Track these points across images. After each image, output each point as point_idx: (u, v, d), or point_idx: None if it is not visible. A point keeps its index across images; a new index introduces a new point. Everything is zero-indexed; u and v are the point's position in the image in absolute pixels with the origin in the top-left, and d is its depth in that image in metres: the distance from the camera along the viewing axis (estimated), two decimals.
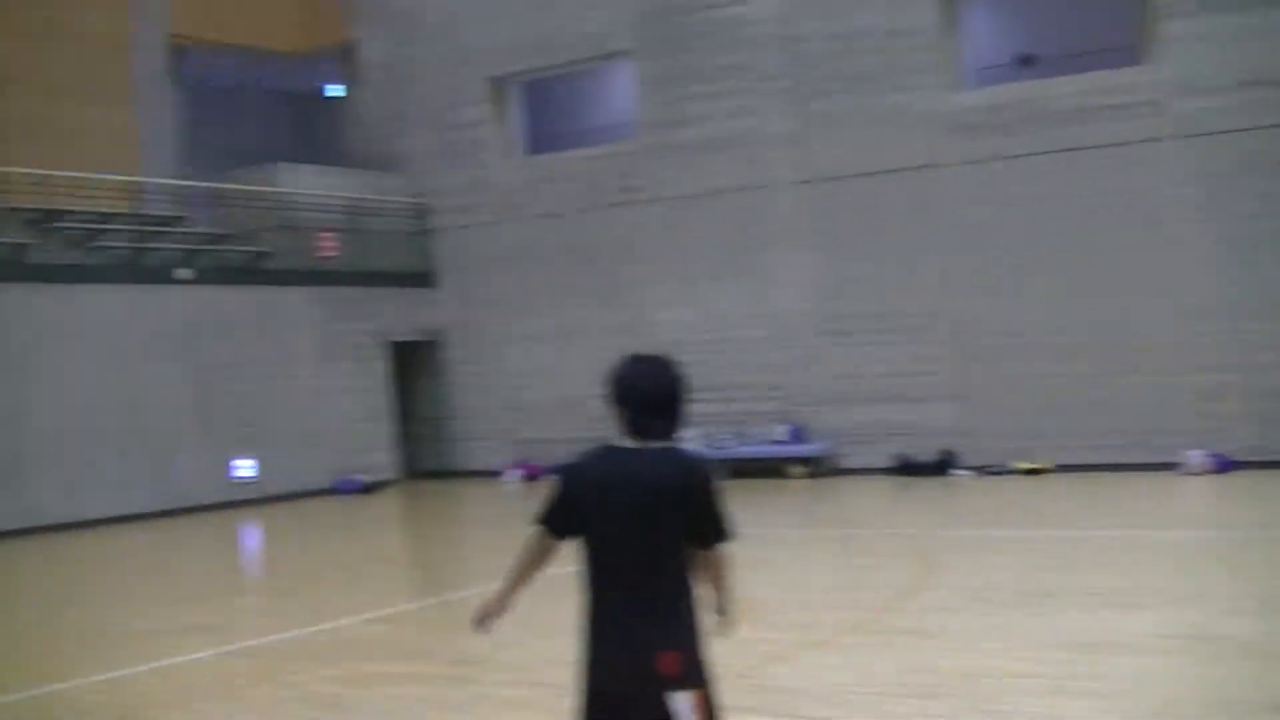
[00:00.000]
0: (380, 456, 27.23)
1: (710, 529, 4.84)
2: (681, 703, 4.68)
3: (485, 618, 5.35)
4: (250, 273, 25.90)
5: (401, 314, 27.95)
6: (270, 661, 10.93)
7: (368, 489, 25.97)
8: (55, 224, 23.69)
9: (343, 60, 31.20)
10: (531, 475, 26.62)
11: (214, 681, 10.34)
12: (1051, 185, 22.11)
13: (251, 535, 21.88)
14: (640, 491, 4.80)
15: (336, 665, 10.61)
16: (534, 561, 5.21)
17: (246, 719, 9.05)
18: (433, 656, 10.91)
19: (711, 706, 4.78)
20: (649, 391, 4.93)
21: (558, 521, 5.06)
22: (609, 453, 4.96)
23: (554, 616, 11.98)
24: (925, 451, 22.94)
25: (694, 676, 4.74)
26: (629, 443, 4.92)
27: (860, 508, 20.98)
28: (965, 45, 24.09)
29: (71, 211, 24.66)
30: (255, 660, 11.03)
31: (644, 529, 4.78)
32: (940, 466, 22.70)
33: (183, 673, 10.73)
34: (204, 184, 27.09)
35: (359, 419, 26.87)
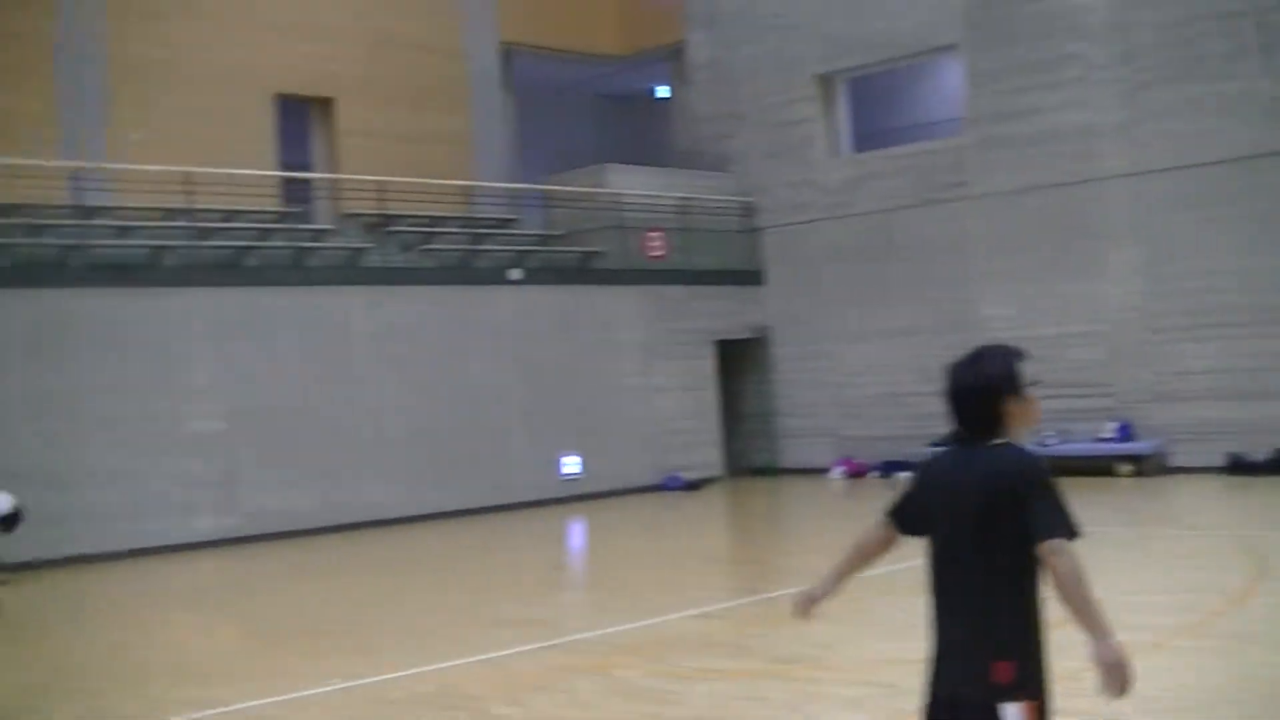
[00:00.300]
0: (705, 454, 27.34)
1: (1042, 523, 4.51)
2: (1013, 714, 4.47)
3: (808, 603, 5.18)
4: (579, 273, 26.33)
5: (728, 312, 28.02)
6: (596, 655, 11.01)
7: (692, 486, 26.10)
8: (391, 228, 24.43)
9: (670, 61, 31.45)
10: (856, 473, 26.44)
11: (541, 674, 10.46)
12: None
13: (578, 531, 22.18)
14: (971, 491, 4.61)
15: (661, 660, 10.64)
16: (868, 551, 5.07)
17: (573, 712, 9.10)
18: (757, 653, 10.84)
19: (1045, 716, 4.55)
20: (952, 389, 4.75)
21: (903, 516, 4.95)
22: (955, 451, 4.78)
23: (885, 615, 11.91)
24: (1260, 449, 21.91)
25: (1028, 687, 4.52)
26: (967, 442, 4.74)
27: (1191, 507, 20.19)
28: None
29: (406, 216, 25.45)
30: (581, 654, 11.12)
31: (976, 530, 4.58)
32: (1276, 465, 21.64)
33: (511, 665, 10.89)
34: (535, 186, 27.58)
35: (685, 416, 27.03)
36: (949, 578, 4.68)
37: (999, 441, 4.67)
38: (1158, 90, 23.13)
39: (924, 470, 4.94)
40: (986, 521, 4.55)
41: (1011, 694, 4.47)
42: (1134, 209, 23.44)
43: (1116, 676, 4.37)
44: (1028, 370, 4.76)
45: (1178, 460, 22.82)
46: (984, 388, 4.70)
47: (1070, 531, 4.49)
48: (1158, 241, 23.17)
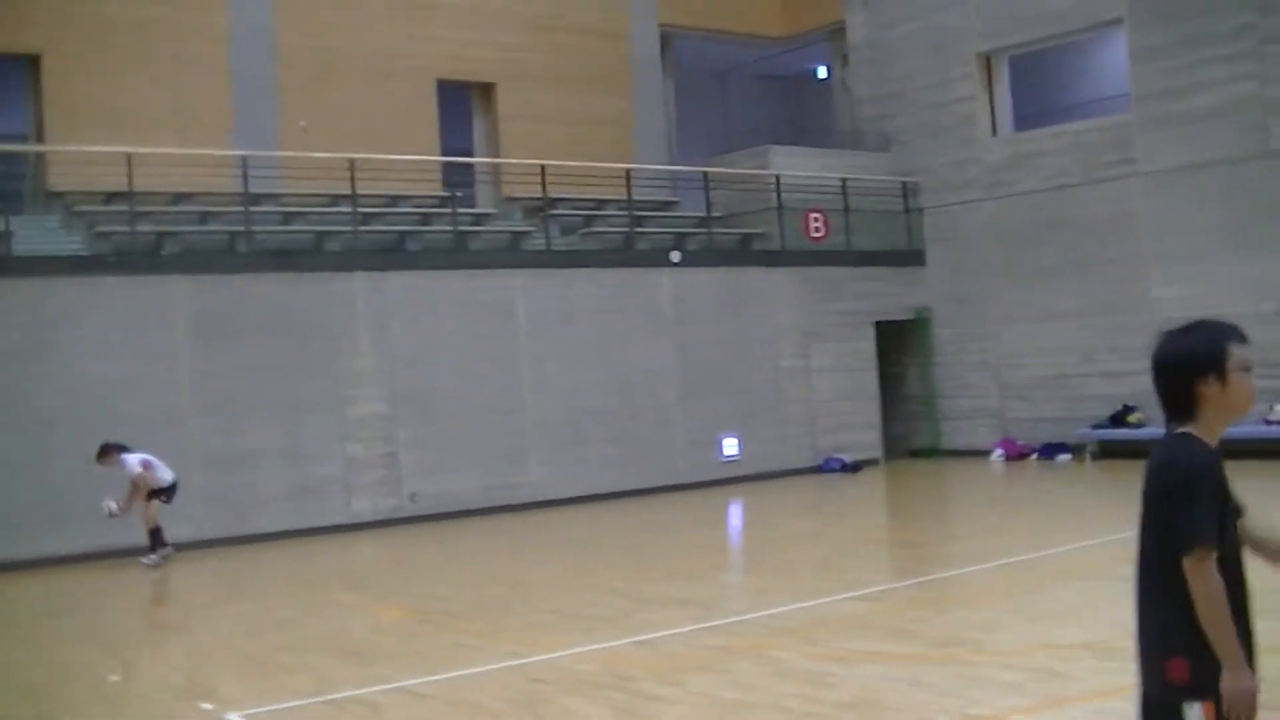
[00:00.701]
0: (865, 435, 27.18)
1: (1176, 538, 4.29)
2: (1193, 713, 4.30)
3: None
4: (740, 254, 26.32)
5: (888, 293, 27.82)
6: (753, 637, 11.00)
7: (851, 468, 25.98)
8: (552, 211, 24.61)
9: (830, 42, 31.29)
10: (1016, 455, 26.13)
11: (698, 655, 10.48)
12: None
13: (736, 513, 22.18)
14: (1145, 481, 4.43)
15: (818, 642, 10.61)
16: None
17: (730, 693, 9.10)
18: (915, 637, 10.74)
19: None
20: (1153, 361, 4.48)
21: None
22: (1158, 443, 4.56)
23: (1047, 600, 11.78)
24: None
25: (1205, 688, 4.28)
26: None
27: None
28: None
29: (567, 199, 25.61)
30: (738, 635, 11.12)
31: (1145, 524, 4.42)
32: None
33: (668, 645, 10.93)
34: (696, 168, 27.58)
35: (844, 398, 26.89)
36: (1136, 571, 4.50)
37: (1180, 430, 4.41)
38: None
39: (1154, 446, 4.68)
40: (1150, 516, 4.39)
41: (1190, 693, 4.30)
42: None
43: (1237, 711, 4.22)
44: (1241, 351, 4.40)
45: None
46: (1177, 364, 4.42)
47: (1200, 542, 4.24)
48: None
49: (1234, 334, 4.45)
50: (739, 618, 11.95)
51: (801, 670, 9.65)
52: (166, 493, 17.97)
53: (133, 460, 17.54)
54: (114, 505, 17.35)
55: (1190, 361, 4.39)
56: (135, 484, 17.55)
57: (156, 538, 17.79)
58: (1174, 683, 4.30)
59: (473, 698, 9.39)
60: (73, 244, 20.56)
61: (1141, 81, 24.87)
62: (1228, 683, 4.20)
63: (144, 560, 17.58)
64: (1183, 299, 23.71)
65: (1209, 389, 4.37)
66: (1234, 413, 4.42)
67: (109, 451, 17.51)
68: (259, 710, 9.37)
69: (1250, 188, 23.31)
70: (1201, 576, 4.22)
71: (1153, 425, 23.84)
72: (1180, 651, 4.30)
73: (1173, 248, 24.32)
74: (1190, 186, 24.09)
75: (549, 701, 9.16)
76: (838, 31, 30.65)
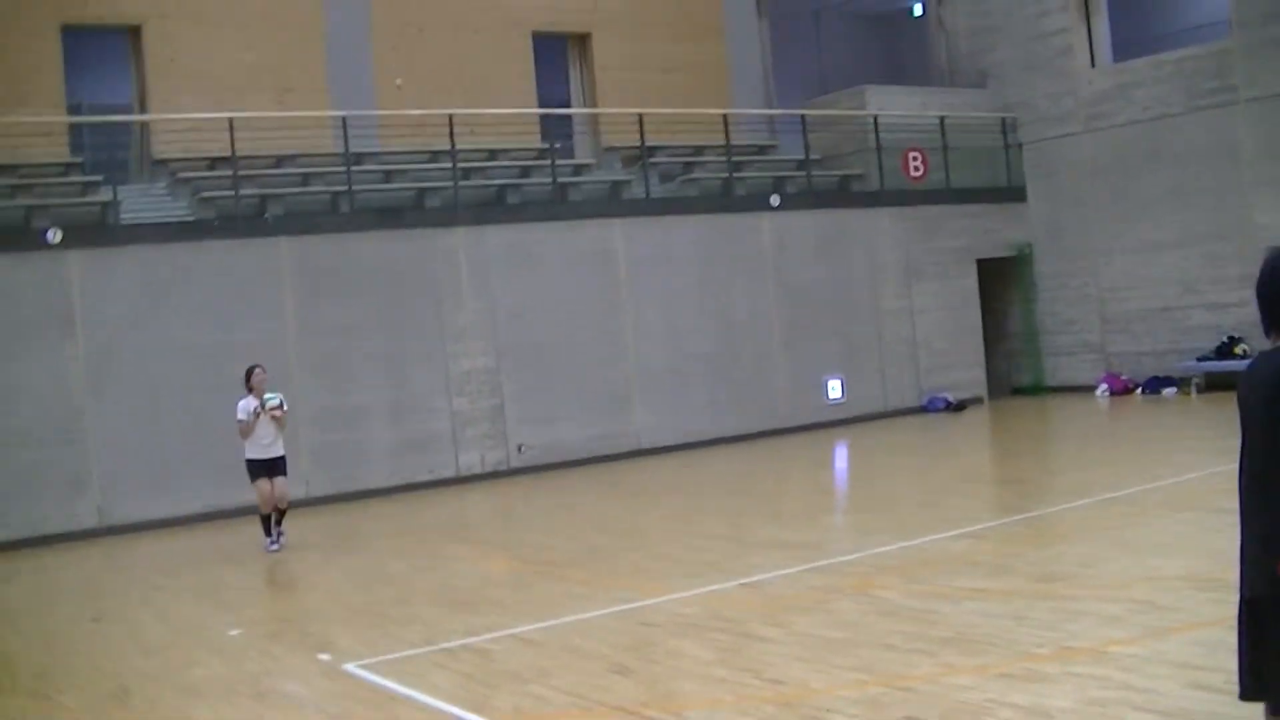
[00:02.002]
0: (969, 374, 27.13)
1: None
2: None
3: None
4: (839, 196, 26.30)
5: (990, 230, 27.68)
6: (857, 577, 11.13)
7: (956, 407, 25.95)
8: (650, 159, 24.68)
9: None
10: (1121, 390, 25.98)
11: (802, 595, 10.64)
12: None
13: (841, 455, 22.26)
14: (1258, 394, 4.63)
15: (923, 581, 10.72)
16: None
17: (834, 632, 9.24)
18: (1019, 573, 10.83)
19: None
20: (1262, 286, 4.70)
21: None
22: (1258, 356, 4.79)
23: (1139, 535, 11.82)
24: None
25: None
26: (1269, 344, 4.74)
27: None
28: None
29: (665, 146, 25.67)
30: (842, 576, 11.26)
31: (1258, 432, 4.61)
32: None
33: (773, 587, 11.10)
34: (793, 111, 27.52)
35: (947, 337, 26.85)
36: (1244, 481, 4.69)
37: None
38: None
39: (1241, 377, 4.91)
40: (1262, 423, 4.57)
41: None
42: None
43: None
44: None
45: None
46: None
47: None
48: None
49: None
50: (843, 558, 12.09)
51: (904, 608, 9.78)
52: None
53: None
54: None
55: None
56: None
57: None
58: None
59: (581, 643, 9.60)
60: (179, 210, 20.96)
61: (1242, 6, 24.48)
62: None
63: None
64: None
65: None
66: None
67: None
68: (375, 660, 9.62)
69: None
70: None
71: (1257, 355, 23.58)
72: None
73: (1275, 175, 23.99)
74: None
75: (656, 644, 9.36)
76: None
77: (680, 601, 10.77)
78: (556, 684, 8.51)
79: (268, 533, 15.74)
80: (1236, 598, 4.80)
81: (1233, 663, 6.89)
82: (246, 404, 15.64)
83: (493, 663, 9.28)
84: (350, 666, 9.49)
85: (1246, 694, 4.82)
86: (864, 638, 9.00)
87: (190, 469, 18.89)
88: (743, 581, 11.39)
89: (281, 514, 15.85)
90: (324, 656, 9.93)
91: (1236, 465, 4.80)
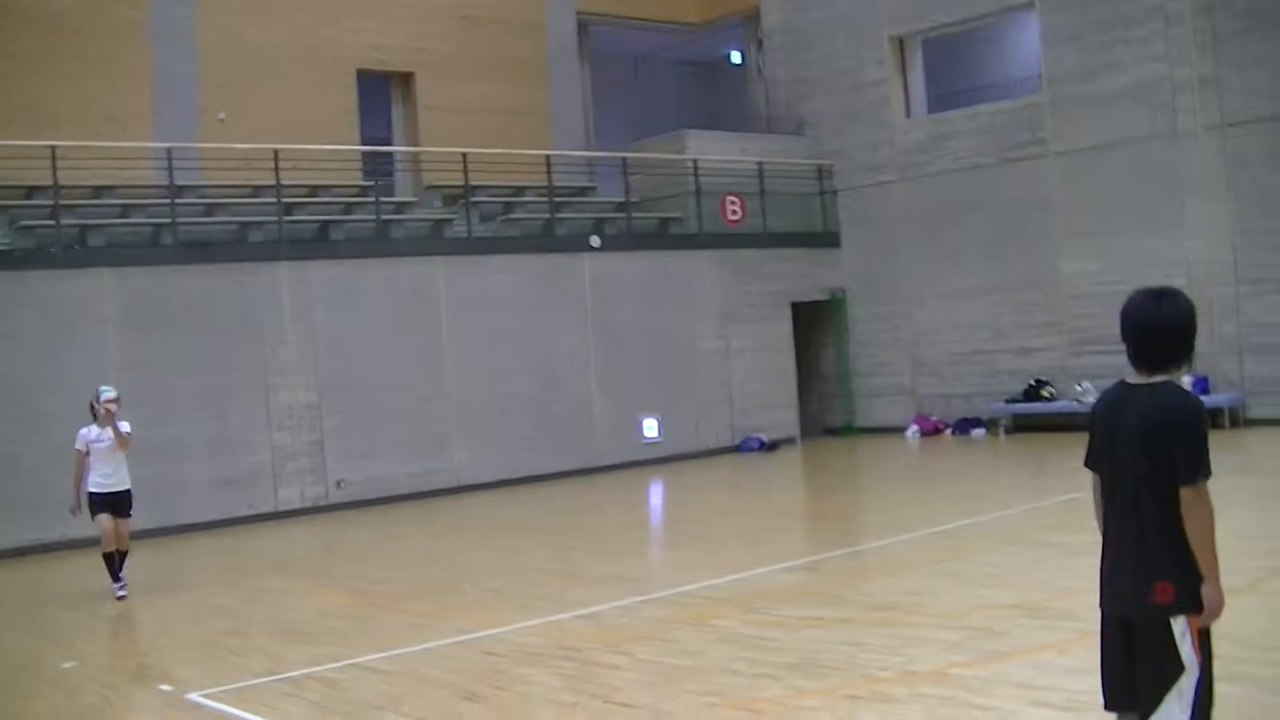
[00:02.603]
0: (782, 415, 27.61)
1: (1182, 465, 4.88)
2: (1178, 627, 4.89)
3: None
4: (658, 238, 26.64)
5: (805, 274, 28.26)
6: (692, 608, 11.33)
7: (769, 447, 26.39)
8: (472, 199, 24.79)
9: (744, 26, 31.65)
10: (931, 430, 26.69)
11: (641, 626, 10.81)
12: None
13: (659, 492, 22.50)
14: (1131, 425, 5.00)
15: (758, 611, 10.96)
16: (1096, 502, 5.37)
17: (679, 659, 9.42)
18: (853, 603, 11.13)
19: (1202, 631, 4.96)
20: (1141, 322, 5.07)
21: (1091, 456, 5.32)
22: (1116, 388, 5.19)
23: (966, 568, 12.21)
24: None
25: (1188, 604, 4.90)
26: (1133, 378, 5.12)
27: (1267, 462, 20.17)
28: None
29: (487, 186, 25.81)
30: (677, 607, 11.45)
31: (1134, 462, 4.98)
32: None
33: (610, 618, 11.26)
34: (616, 154, 27.86)
35: (762, 378, 27.31)
36: (1113, 505, 5.09)
37: (1160, 379, 5.02)
38: (1241, 41, 23.03)
39: (1095, 407, 5.31)
40: (1140, 454, 4.94)
41: (1175, 610, 4.88)
42: (1218, 163, 23.34)
43: (1212, 616, 4.92)
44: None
45: (1255, 413, 22.84)
46: (1173, 326, 5.04)
47: (1205, 474, 4.87)
48: (1243, 195, 23.10)
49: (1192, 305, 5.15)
50: (675, 589, 12.29)
51: (744, 636, 10.00)
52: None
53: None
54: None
55: (1190, 322, 5.07)
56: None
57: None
58: (1161, 603, 4.89)
59: (429, 671, 9.66)
60: None
61: (1053, 63, 25.44)
62: (1211, 592, 4.88)
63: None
64: (1092, 274, 24.47)
65: (1186, 349, 5.06)
66: (1189, 368, 5.18)
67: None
68: (219, 689, 9.57)
69: (1157, 167, 23.92)
70: (1204, 502, 4.88)
71: (1063, 399, 24.47)
72: (1166, 575, 4.90)
73: (1082, 225, 24.92)
74: (1099, 166, 24.68)
75: (504, 672, 9.46)
76: (752, 17, 31.05)
77: (520, 631, 10.88)
78: (408, 711, 8.58)
79: (114, 577, 14.41)
80: (1098, 616, 5.12)
81: (1069, 683, 7.32)
82: (86, 433, 14.56)
83: (340, 691, 9.29)
84: (194, 696, 9.43)
85: (1116, 705, 5.16)
86: (708, 664, 9.20)
87: (7, 502, 18.48)
88: (579, 613, 11.53)
89: (123, 556, 14.57)
90: (165, 688, 9.85)
91: (1095, 493, 5.16)
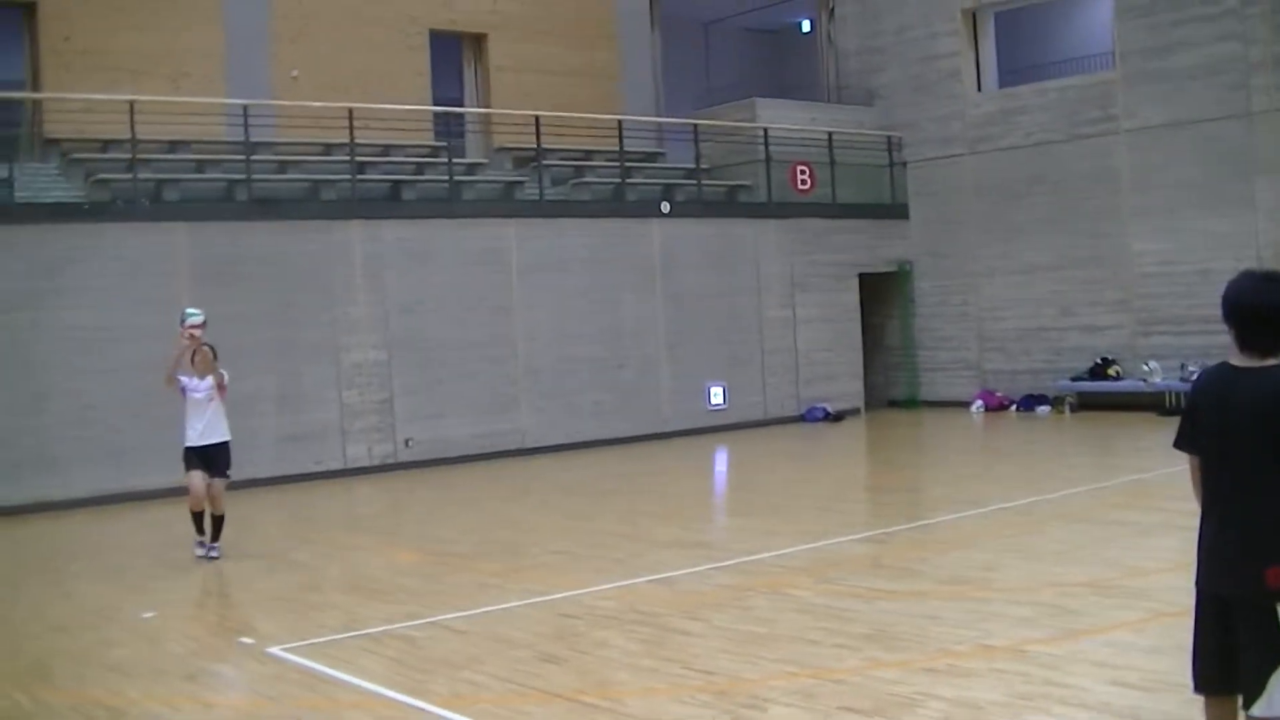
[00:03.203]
0: (847, 385, 27.62)
1: None
2: None
3: None
4: (727, 206, 26.64)
5: (872, 246, 28.21)
6: (766, 576, 11.40)
7: (834, 417, 26.40)
8: (542, 162, 24.83)
9: None
10: (995, 406, 26.64)
11: (715, 592, 10.89)
12: None
13: (727, 460, 22.55)
14: (1241, 409, 4.98)
15: (832, 581, 11.03)
16: (1196, 482, 5.35)
17: (754, 626, 9.49)
18: (926, 576, 11.17)
19: None
20: (1253, 305, 5.03)
21: (1186, 438, 5.29)
22: (1223, 370, 5.16)
23: (1036, 544, 12.22)
24: None
25: None
26: (1239, 360, 5.08)
27: None
28: None
29: (557, 149, 25.84)
30: (751, 575, 11.52)
31: (1245, 446, 4.97)
32: None
33: (684, 584, 11.33)
34: (684, 120, 27.84)
35: (827, 349, 27.31)
36: (1220, 488, 5.08)
37: (1272, 362, 4.99)
38: None
39: (1194, 390, 5.31)
40: (1253, 437, 4.93)
41: None
42: None
43: None
44: None
45: None
46: None
47: None
48: None
49: None
50: (750, 557, 12.35)
51: (819, 606, 10.06)
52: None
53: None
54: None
55: None
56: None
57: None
58: (1275, 586, 4.84)
59: (506, 632, 9.75)
60: (71, 191, 20.73)
61: (1125, 39, 25.25)
62: None
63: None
64: (1160, 254, 24.35)
65: None
66: None
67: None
68: (299, 644, 9.70)
69: (1229, 146, 23.74)
70: None
71: (1129, 378, 24.37)
72: (1278, 558, 4.84)
73: (1152, 204, 24.76)
74: (1170, 144, 24.51)
75: (581, 635, 9.55)
76: None
77: (595, 595, 10.97)
78: (489, 670, 8.67)
79: (200, 531, 14.00)
80: (1195, 593, 5.12)
81: (1147, 662, 7.34)
82: (184, 379, 14.07)
83: (420, 649, 9.40)
84: (275, 650, 9.56)
85: (1209, 687, 5.14)
86: (784, 633, 9.26)
87: (75, 454, 18.71)
88: (653, 578, 11.61)
89: (217, 521, 13.98)
90: (246, 640, 9.99)
91: (1194, 473, 5.15)
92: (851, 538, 13.33)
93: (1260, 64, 23.41)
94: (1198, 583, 5.15)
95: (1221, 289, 5.20)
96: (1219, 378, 5.15)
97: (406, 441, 21.85)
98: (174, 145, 22.37)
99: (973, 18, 28.11)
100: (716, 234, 25.81)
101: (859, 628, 9.26)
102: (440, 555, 13.80)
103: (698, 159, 26.56)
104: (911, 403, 28.60)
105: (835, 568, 11.65)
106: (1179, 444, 5.31)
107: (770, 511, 15.95)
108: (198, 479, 13.92)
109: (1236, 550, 4.97)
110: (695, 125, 27.02)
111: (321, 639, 9.86)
